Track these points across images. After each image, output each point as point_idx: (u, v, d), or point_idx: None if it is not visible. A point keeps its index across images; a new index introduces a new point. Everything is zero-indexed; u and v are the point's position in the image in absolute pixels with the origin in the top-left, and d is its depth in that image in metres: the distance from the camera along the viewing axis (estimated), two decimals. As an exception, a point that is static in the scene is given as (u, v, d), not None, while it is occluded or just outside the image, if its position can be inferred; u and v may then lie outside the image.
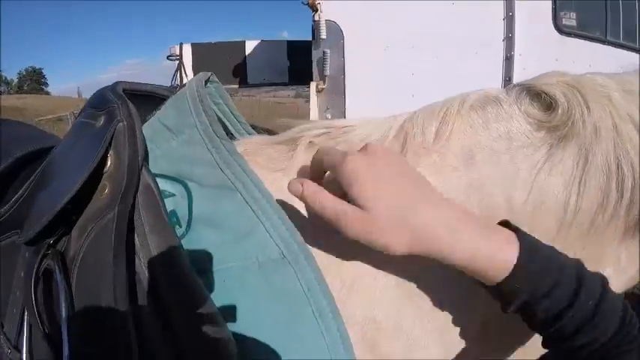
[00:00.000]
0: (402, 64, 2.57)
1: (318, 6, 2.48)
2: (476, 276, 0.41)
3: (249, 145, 0.61)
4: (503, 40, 2.55)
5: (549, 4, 2.59)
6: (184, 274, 0.45)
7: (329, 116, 2.70)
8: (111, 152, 0.53)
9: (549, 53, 2.60)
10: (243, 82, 4.51)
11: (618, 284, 0.59)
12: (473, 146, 0.55)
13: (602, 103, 0.54)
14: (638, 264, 0.59)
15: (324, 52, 2.60)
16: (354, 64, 2.63)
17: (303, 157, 0.56)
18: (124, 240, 0.48)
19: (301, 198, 0.45)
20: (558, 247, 0.50)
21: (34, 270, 0.52)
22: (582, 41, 2.71)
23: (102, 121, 0.58)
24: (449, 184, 0.54)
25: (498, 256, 0.39)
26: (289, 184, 0.46)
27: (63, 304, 0.48)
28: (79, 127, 0.64)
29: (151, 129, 0.59)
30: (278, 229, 0.48)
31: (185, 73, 4.33)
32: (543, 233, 0.52)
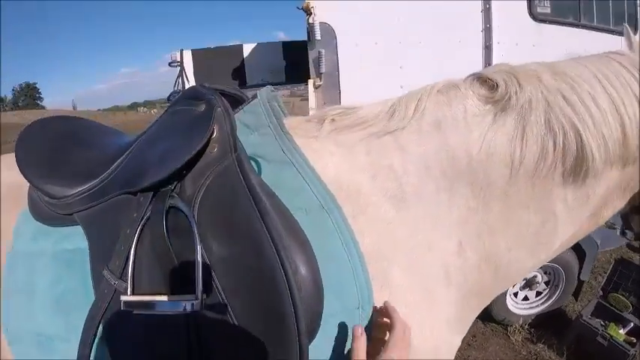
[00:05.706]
0: (391, 58, 2.80)
1: (312, 9, 2.69)
2: None
3: (291, 122, 0.87)
4: (482, 31, 2.77)
5: (525, -5, 2.81)
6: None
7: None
8: (215, 126, 0.74)
9: (526, 40, 2.82)
10: (242, 84, 4.67)
11: (570, 219, 0.81)
12: (440, 117, 0.79)
13: (533, 82, 0.77)
14: (583, 204, 0.80)
15: (319, 52, 2.81)
16: (347, 61, 2.84)
17: (328, 128, 0.83)
18: (250, 173, 0.70)
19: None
20: (513, 187, 0.76)
21: (164, 207, 0.69)
22: (557, 26, 2.92)
23: (203, 107, 0.78)
24: (426, 141, 0.77)
25: None
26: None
27: (195, 229, 0.66)
28: (174, 112, 0.84)
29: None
30: (318, 188, 0.74)
31: (187, 78, 4.50)
32: (499, 176, 0.76)
